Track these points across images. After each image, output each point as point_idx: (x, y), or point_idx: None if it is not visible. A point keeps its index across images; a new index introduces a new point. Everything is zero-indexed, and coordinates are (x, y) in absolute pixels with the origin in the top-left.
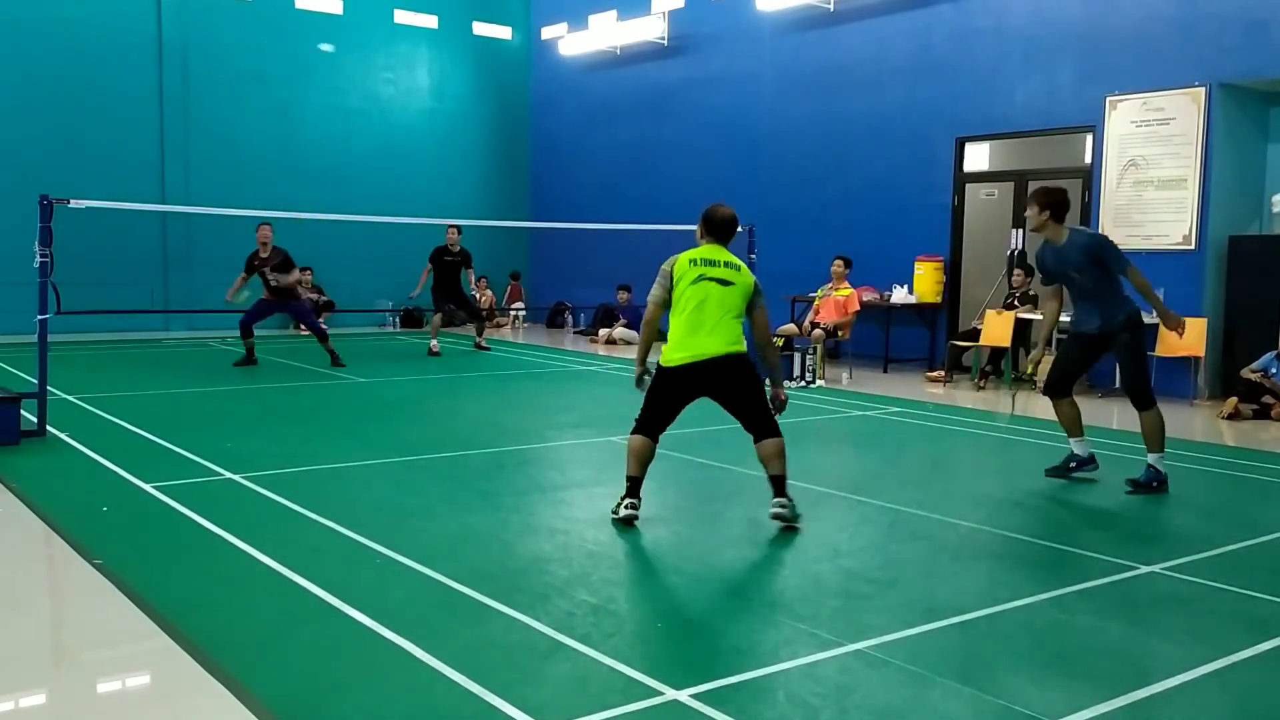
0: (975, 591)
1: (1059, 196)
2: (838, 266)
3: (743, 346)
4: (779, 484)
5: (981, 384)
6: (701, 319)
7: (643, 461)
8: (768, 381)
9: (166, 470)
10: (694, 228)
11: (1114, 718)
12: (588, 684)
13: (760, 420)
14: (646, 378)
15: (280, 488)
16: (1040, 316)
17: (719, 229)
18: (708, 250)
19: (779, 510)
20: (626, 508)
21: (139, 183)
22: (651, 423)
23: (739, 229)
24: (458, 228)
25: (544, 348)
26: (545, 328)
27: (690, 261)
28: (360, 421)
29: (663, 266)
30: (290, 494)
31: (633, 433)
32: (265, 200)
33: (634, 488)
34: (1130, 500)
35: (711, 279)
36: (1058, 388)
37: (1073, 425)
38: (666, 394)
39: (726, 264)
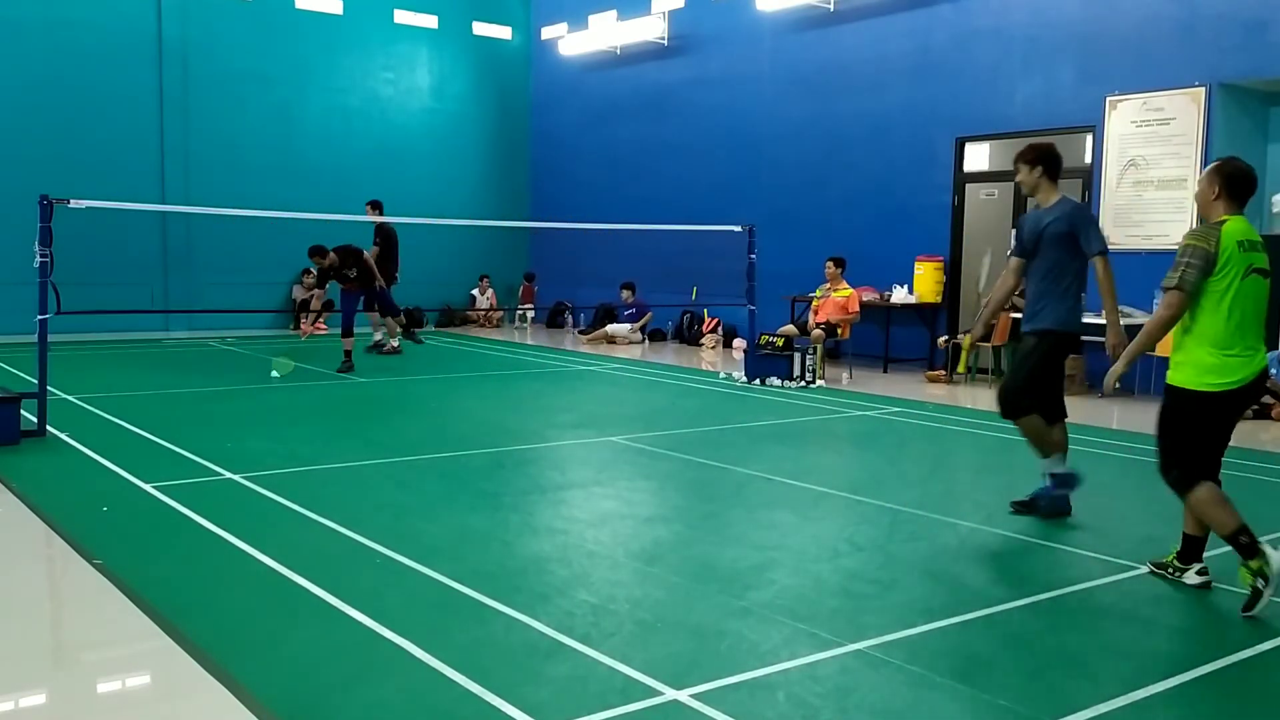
0: (975, 591)
1: (1051, 151)
2: (830, 268)
3: None
4: (1196, 546)
5: (978, 371)
6: (1254, 324)
7: (1232, 508)
8: None
9: (166, 470)
10: (693, 228)
11: (1114, 718)
12: (588, 684)
13: (1219, 463)
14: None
15: (280, 488)
16: None
17: (1247, 190)
18: (1244, 226)
19: (1203, 579)
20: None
21: (139, 183)
22: (1212, 461)
23: None
24: None
25: (544, 348)
26: (546, 328)
27: (1239, 245)
28: (360, 421)
29: (1194, 243)
30: (290, 494)
31: (1194, 483)
32: (265, 200)
33: (1253, 541)
34: (1130, 500)
35: (1260, 271)
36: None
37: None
38: (1219, 423)
39: (1261, 245)
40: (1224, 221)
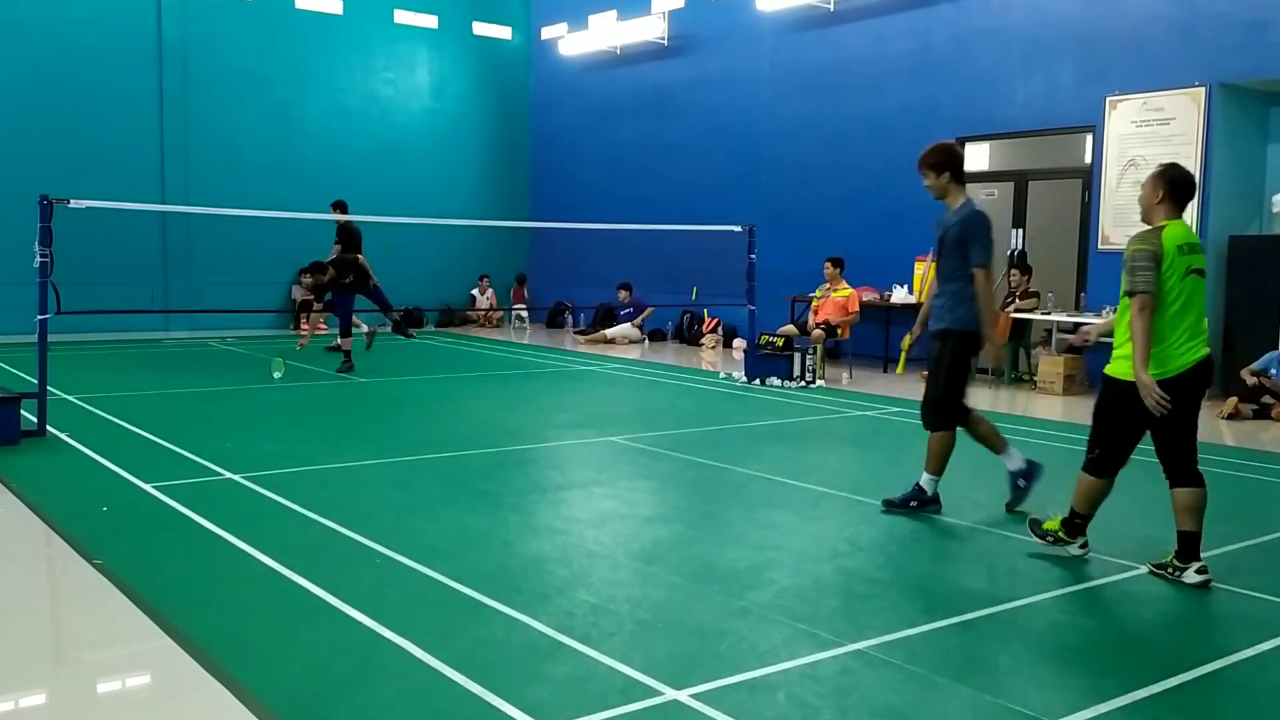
0: (975, 591)
1: (954, 154)
2: (829, 269)
3: None
4: (1192, 543)
5: (977, 370)
6: (1191, 320)
7: (1098, 505)
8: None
9: (166, 470)
10: (690, 228)
11: (1114, 718)
12: (588, 684)
13: (1192, 454)
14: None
15: (280, 488)
16: (1034, 316)
17: (1188, 195)
18: (1184, 230)
19: (1203, 578)
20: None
21: (139, 183)
22: (1119, 459)
23: None
24: None
25: (544, 348)
26: (545, 328)
27: (1179, 249)
28: (360, 421)
29: (1142, 248)
30: (290, 494)
31: (1105, 471)
32: (265, 200)
33: (1082, 531)
34: (1130, 500)
35: (1197, 272)
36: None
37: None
38: (1147, 411)
39: (1199, 247)
40: (1163, 227)
